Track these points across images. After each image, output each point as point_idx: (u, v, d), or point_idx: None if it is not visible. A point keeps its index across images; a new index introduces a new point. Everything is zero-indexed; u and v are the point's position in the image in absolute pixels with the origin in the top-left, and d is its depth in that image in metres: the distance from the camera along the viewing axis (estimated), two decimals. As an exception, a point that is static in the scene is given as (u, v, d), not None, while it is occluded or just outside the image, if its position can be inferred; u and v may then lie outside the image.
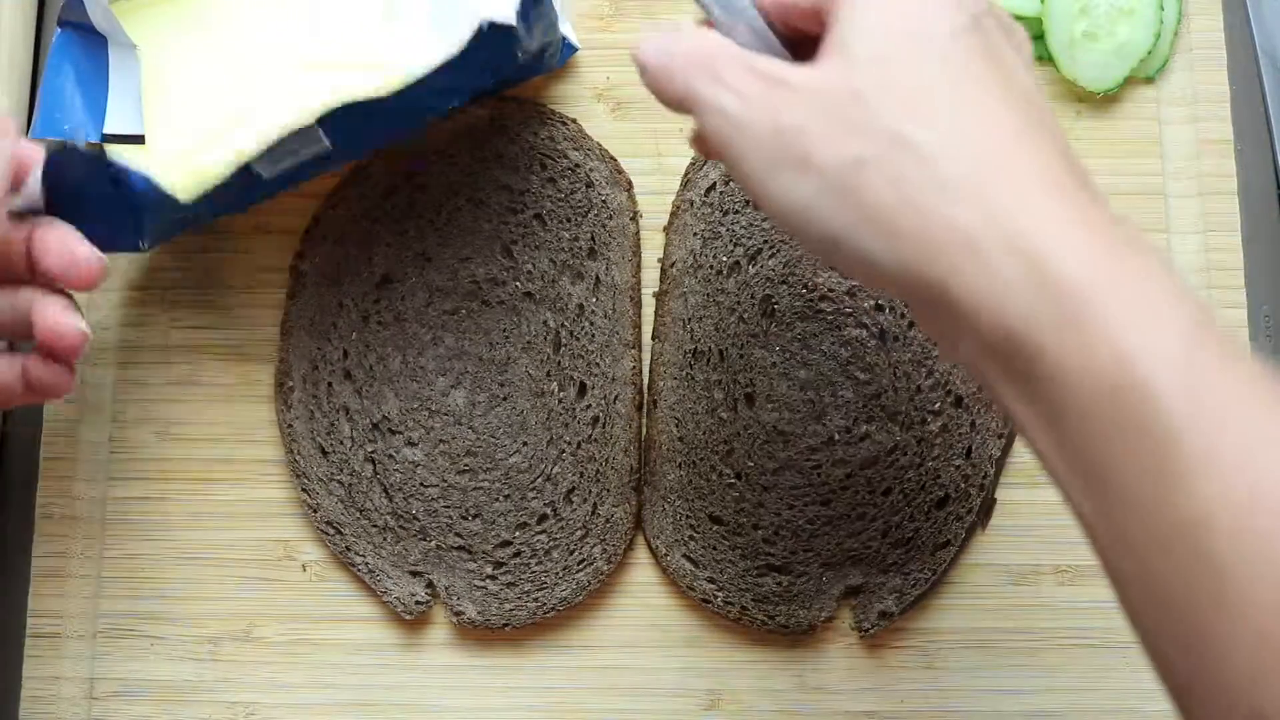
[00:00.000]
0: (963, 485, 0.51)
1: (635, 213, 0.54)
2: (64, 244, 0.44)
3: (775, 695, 0.51)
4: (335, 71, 0.48)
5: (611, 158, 0.54)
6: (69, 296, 0.45)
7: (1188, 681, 0.30)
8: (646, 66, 0.36)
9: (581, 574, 0.51)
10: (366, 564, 0.52)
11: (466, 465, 0.52)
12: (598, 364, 0.52)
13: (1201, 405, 0.29)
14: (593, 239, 0.53)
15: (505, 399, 0.52)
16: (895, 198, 0.32)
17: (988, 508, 0.52)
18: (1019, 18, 0.53)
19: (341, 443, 0.52)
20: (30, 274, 0.44)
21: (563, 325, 0.52)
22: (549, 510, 0.51)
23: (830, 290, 0.52)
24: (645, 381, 0.53)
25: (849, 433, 0.51)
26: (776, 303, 0.52)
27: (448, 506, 0.52)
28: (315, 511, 0.52)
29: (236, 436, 0.53)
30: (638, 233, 0.54)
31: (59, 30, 0.49)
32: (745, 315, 0.52)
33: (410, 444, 0.52)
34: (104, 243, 0.45)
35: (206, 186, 0.46)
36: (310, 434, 0.52)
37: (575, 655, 0.52)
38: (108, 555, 0.53)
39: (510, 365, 0.52)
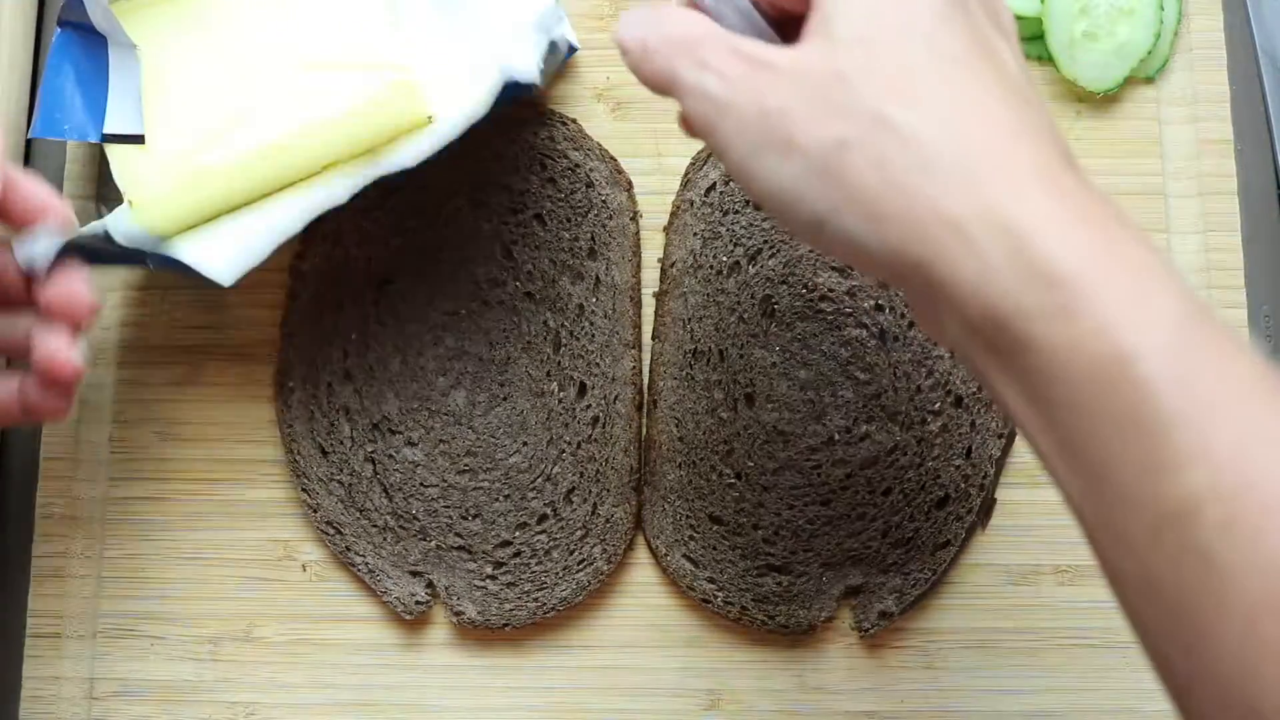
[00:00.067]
0: (963, 485, 0.51)
1: (635, 213, 0.54)
2: (66, 280, 0.43)
3: (775, 695, 0.51)
4: (335, 72, 0.48)
5: (611, 158, 0.54)
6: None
7: (1186, 681, 0.29)
8: (627, 49, 0.35)
9: (581, 574, 0.51)
10: (366, 564, 0.52)
11: (466, 465, 0.52)
12: (598, 364, 0.52)
13: (1193, 395, 0.29)
14: (593, 239, 0.53)
15: (505, 399, 0.52)
16: (878, 179, 0.32)
17: (988, 508, 0.52)
18: (1019, 18, 0.53)
19: (341, 443, 0.52)
20: (26, 295, 0.44)
21: (563, 325, 0.52)
22: (549, 510, 0.51)
23: (830, 290, 0.52)
24: (645, 381, 0.53)
25: (849, 433, 0.51)
26: (776, 303, 0.52)
27: (448, 506, 0.52)
28: (315, 511, 0.52)
29: (236, 436, 0.53)
30: (638, 233, 0.54)
31: (59, 30, 0.49)
32: (745, 315, 0.52)
33: (410, 444, 0.52)
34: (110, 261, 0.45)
35: (248, 268, 0.47)
36: (310, 434, 0.52)
37: (575, 655, 0.52)
38: (108, 555, 0.53)
39: (510, 365, 0.52)
